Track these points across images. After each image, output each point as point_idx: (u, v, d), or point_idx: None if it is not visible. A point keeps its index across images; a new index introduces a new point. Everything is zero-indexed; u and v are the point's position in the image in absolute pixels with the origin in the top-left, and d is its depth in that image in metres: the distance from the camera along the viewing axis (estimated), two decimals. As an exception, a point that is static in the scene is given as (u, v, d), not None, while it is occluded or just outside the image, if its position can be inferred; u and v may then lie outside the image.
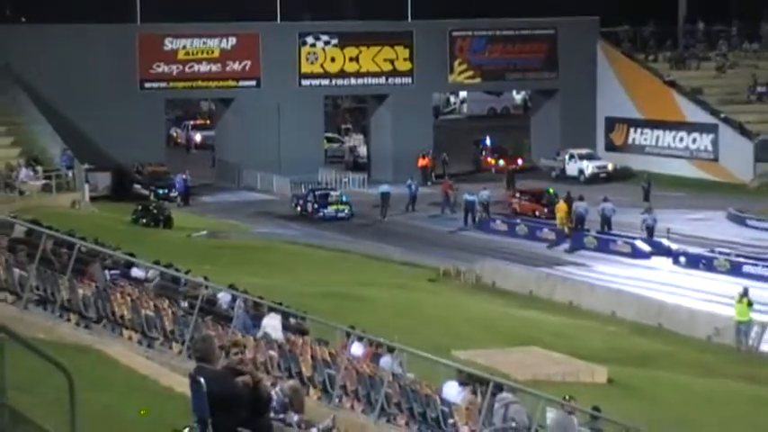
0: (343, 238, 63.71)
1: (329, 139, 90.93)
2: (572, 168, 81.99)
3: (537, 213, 68.25)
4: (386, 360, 25.61)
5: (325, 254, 58.99)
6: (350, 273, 53.36)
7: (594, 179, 79.49)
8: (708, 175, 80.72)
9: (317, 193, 71.87)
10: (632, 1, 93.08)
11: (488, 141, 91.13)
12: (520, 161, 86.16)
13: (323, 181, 77.94)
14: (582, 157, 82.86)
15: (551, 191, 69.89)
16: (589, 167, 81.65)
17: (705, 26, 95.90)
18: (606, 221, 63.78)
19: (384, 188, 72.92)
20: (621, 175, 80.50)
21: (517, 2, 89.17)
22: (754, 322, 45.07)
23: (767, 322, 45.75)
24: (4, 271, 26.28)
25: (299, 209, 70.92)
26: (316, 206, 70.13)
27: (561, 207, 65.03)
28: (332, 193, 72.43)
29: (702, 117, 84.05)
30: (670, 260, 58.44)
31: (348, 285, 48.36)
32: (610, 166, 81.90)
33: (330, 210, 69.83)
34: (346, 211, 70.11)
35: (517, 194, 71.09)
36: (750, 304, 44.81)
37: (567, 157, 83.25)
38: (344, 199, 71.41)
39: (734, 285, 48.44)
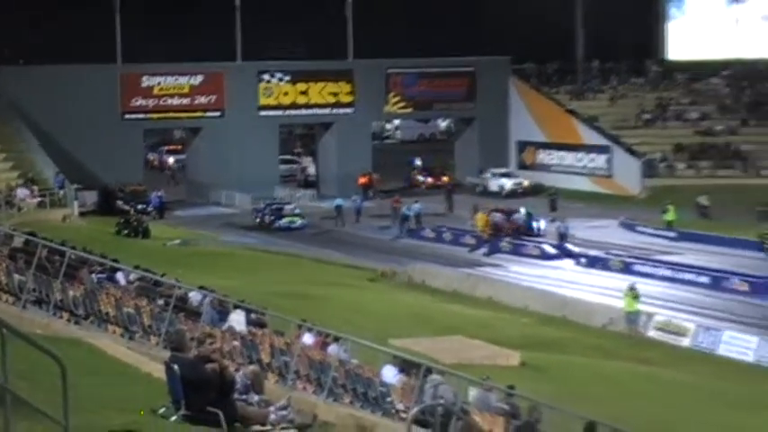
0: (296, 245, 63.56)
1: (285, 161, 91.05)
2: (494, 185, 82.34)
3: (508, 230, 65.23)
4: (333, 348, 25.61)
5: (281, 258, 58.89)
6: (302, 274, 53.25)
7: (513, 194, 79.83)
8: (603, 189, 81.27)
9: (273, 207, 71.82)
10: (538, 43, 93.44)
11: (418, 162, 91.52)
12: (445, 178, 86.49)
13: (278, 197, 77.89)
14: (502, 176, 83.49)
15: (523, 210, 67.95)
16: (508, 184, 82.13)
17: (599, 64, 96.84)
18: (518, 228, 64.28)
19: (338, 201, 73.10)
20: (534, 190, 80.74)
21: (442, 44, 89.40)
22: (641, 312, 45.50)
23: (653, 312, 46.20)
24: (5, 276, 26.09)
25: (258, 220, 70.79)
26: (272, 218, 70.09)
27: (481, 217, 65.33)
28: (286, 207, 72.32)
29: (598, 140, 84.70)
30: (572, 261, 58.78)
31: (300, 285, 48.27)
32: (525, 183, 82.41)
33: (285, 221, 69.80)
34: (298, 222, 70.06)
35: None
36: (636, 297, 45.26)
37: (489, 175, 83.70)
38: (297, 212, 71.43)
39: (626, 282, 48.68)
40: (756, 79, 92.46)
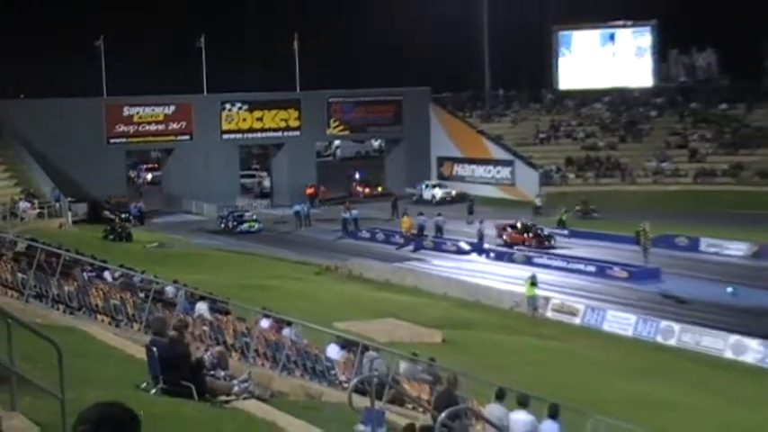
0: (254, 246, 63.29)
1: (245, 176, 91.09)
2: (427, 194, 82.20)
3: (526, 243, 60.63)
4: (286, 330, 25.57)
5: (241, 257, 58.63)
6: (259, 270, 53.13)
7: (443, 201, 79.61)
8: (508, 196, 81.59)
9: (235, 214, 71.47)
10: (453, 76, 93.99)
11: (358, 175, 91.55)
12: (380, 188, 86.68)
13: (239, 205, 77.58)
14: (434, 186, 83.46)
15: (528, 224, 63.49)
16: (439, 193, 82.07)
17: (503, 93, 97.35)
18: (439, 229, 64.27)
19: (297, 207, 73.21)
20: (461, 198, 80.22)
21: (374, 77, 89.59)
22: (539, 297, 45.84)
23: (549, 296, 46.54)
24: (10, 275, 25.86)
25: (222, 226, 70.41)
26: (234, 223, 69.72)
27: (405, 220, 65.46)
28: (246, 214, 71.95)
29: (503, 155, 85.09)
30: (484, 255, 59.03)
31: (258, 278, 48.17)
32: (453, 192, 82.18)
33: (245, 226, 69.41)
34: (256, 226, 69.72)
35: (508, 228, 62.65)
36: (535, 284, 45.63)
37: (423, 186, 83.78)
38: (255, 218, 71.07)
39: (528, 272, 49.06)
40: (631, 104, 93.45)
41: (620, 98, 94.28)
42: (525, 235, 61.52)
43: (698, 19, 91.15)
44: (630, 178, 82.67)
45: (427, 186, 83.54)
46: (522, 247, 59.39)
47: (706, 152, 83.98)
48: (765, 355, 38.41)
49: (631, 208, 68.59)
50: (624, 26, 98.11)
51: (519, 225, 62.95)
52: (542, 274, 49.30)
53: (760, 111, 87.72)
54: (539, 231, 62.04)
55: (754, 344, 39.01)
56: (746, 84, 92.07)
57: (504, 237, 62.00)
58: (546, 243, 60.79)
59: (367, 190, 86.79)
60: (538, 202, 75.52)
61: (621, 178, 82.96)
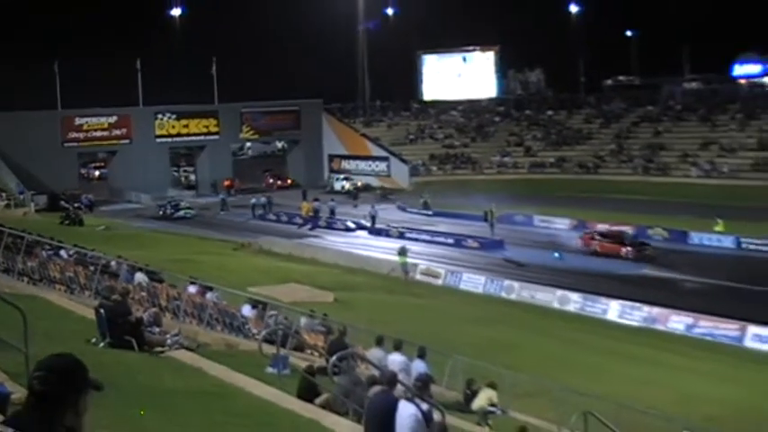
0: (183, 228, 62.39)
1: (178, 171, 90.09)
2: (337, 185, 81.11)
3: (621, 254, 47.26)
4: (209, 294, 25.39)
5: (175, 237, 57.69)
6: (189, 247, 52.40)
7: (350, 191, 77.66)
8: (385, 185, 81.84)
9: (172, 203, 70.10)
10: (340, 90, 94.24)
11: (270, 170, 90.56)
12: (289, 181, 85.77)
13: (173, 196, 76.30)
14: (343, 179, 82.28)
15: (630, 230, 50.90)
16: (347, 185, 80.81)
17: (380, 103, 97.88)
18: (332, 212, 64.19)
19: (222, 195, 72.93)
20: (365, 189, 78.70)
21: (277, 92, 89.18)
22: (410, 263, 46.24)
23: (417, 263, 46.97)
24: (-18, 255, 25.24)
25: (161, 212, 68.90)
26: (172, 210, 68.40)
27: (305, 205, 65.31)
28: (181, 203, 70.64)
29: (381, 153, 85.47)
30: (366, 232, 59.23)
31: (188, 254, 47.50)
32: (359, 183, 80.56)
33: (181, 212, 67.97)
34: (191, 213, 68.47)
35: (598, 236, 49.19)
36: (402, 253, 46.16)
37: (334, 178, 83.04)
38: (189, 206, 69.83)
39: (400, 244, 49.42)
40: (479, 112, 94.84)
41: (470, 107, 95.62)
42: (621, 245, 47.79)
43: (530, 45, 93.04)
44: (480, 170, 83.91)
45: (338, 179, 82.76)
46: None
47: (537, 149, 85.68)
48: (583, 305, 39.49)
49: (480, 193, 69.59)
50: (474, 50, 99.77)
51: (609, 233, 49.54)
52: (412, 246, 49.71)
53: (578, 116, 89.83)
54: (636, 240, 48.47)
55: (575, 296, 40.05)
56: (567, 95, 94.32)
57: (594, 246, 49.00)
58: (646, 252, 46.87)
59: (279, 182, 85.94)
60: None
61: (473, 170, 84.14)
